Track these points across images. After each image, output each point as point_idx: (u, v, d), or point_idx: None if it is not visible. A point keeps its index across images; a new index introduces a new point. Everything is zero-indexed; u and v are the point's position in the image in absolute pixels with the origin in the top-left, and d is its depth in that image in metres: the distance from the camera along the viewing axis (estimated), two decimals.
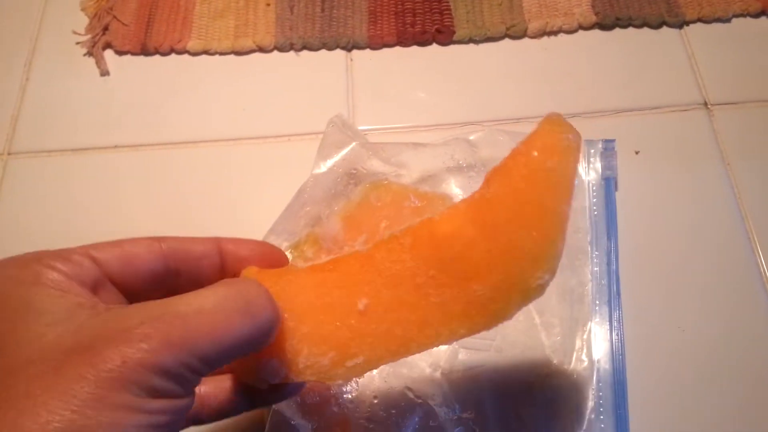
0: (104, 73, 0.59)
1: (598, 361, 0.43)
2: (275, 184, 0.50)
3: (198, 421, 0.32)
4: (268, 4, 0.62)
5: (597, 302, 0.45)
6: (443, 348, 0.44)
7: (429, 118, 0.56)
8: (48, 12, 0.63)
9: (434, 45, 0.60)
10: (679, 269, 0.49)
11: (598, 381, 0.43)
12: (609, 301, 0.45)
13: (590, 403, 0.42)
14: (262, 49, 0.60)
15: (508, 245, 0.30)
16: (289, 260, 0.35)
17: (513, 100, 0.57)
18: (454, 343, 0.43)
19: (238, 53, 0.60)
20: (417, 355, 0.43)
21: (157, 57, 0.60)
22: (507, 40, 0.60)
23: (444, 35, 0.60)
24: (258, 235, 0.45)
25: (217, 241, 0.32)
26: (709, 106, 0.55)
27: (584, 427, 0.42)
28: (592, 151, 0.50)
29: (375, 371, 0.42)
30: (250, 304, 0.28)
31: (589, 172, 0.50)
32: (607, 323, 0.45)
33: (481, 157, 0.49)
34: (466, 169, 0.49)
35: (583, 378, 0.43)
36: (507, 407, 0.42)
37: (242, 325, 0.27)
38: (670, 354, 0.46)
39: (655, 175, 0.52)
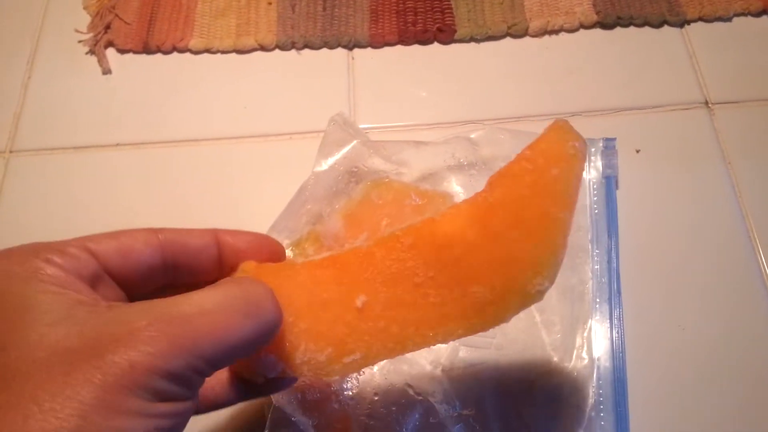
0: (106, 71, 0.59)
1: (599, 359, 0.43)
2: (276, 182, 0.50)
3: (194, 412, 0.32)
4: (270, 3, 0.62)
5: (597, 300, 0.45)
6: (444, 345, 0.44)
7: (430, 116, 0.56)
8: (50, 10, 0.63)
9: (435, 44, 0.60)
10: (679, 268, 0.49)
11: (599, 379, 0.43)
12: (609, 299, 0.45)
13: (590, 401, 0.42)
14: (263, 48, 0.60)
15: (509, 251, 0.30)
16: (291, 258, 0.35)
17: (514, 98, 0.57)
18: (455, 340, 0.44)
19: (239, 52, 0.60)
20: (417, 352, 0.43)
21: (159, 55, 0.60)
22: (508, 39, 0.60)
23: (445, 34, 0.60)
24: None
25: (214, 232, 0.32)
26: (710, 105, 0.55)
27: (584, 424, 0.42)
28: (593, 149, 0.50)
29: (375, 368, 0.43)
30: (255, 305, 0.28)
31: (590, 170, 0.50)
32: (608, 321, 0.45)
33: (482, 156, 0.49)
34: (467, 167, 0.49)
35: (584, 376, 0.43)
36: (507, 405, 0.42)
37: (247, 326, 0.27)
38: (671, 352, 0.46)
39: (656, 174, 0.52)
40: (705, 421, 0.44)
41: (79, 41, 0.61)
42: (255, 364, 0.31)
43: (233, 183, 0.54)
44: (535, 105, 0.56)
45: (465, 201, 0.32)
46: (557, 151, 0.31)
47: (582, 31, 0.60)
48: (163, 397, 0.24)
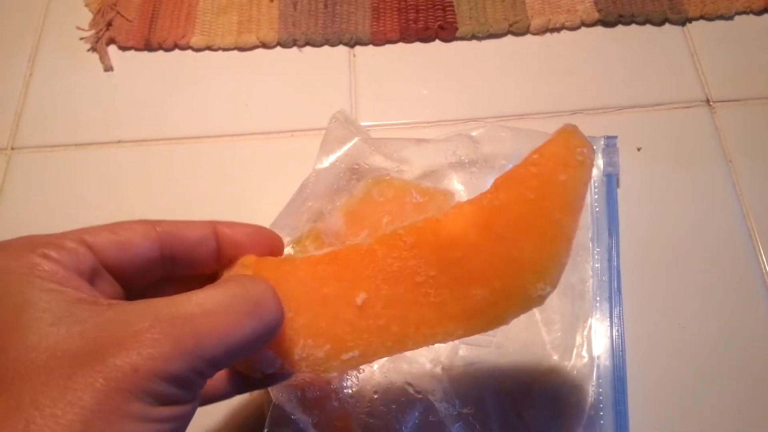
0: (108, 68, 0.60)
1: (599, 357, 0.44)
2: (278, 179, 0.50)
3: None
4: (272, 0, 0.62)
5: (598, 298, 0.45)
6: (444, 344, 0.44)
7: (431, 114, 0.56)
8: (52, 7, 0.63)
9: (437, 41, 0.60)
10: (679, 266, 0.49)
11: (599, 377, 0.43)
12: (610, 298, 0.45)
13: (590, 400, 0.43)
14: (265, 45, 0.60)
15: (512, 254, 0.30)
16: (292, 255, 0.35)
17: (515, 96, 0.57)
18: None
19: (241, 49, 0.60)
20: (417, 351, 0.43)
21: (160, 52, 0.60)
22: (509, 37, 0.60)
23: (447, 32, 0.60)
24: None
25: (212, 224, 0.31)
26: (711, 104, 0.55)
27: (584, 423, 0.42)
28: (594, 147, 0.50)
29: (375, 366, 0.43)
30: (258, 304, 0.27)
31: None
32: (608, 320, 0.45)
33: (483, 153, 0.49)
34: (468, 165, 0.49)
35: (583, 374, 0.43)
36: (507, 403, 0.42)
37: (250, 326, 0.26)
38: (671, 351, 0.46)
39: (657, 172, 0.52)
40: (704, 420, 0.44)
41: (81, 38, 0.61)
42: (253, 360, 0.31)
43: (234, 180, 0.54)
44: (536, 103, 0.56)
45: (469, 201, 0.32)
46: (565, 156, 0.31)
47: (583, 29, 0.60)
48: (165, 400, 0.23)
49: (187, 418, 0.25)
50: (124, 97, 0.58)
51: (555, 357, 0.43)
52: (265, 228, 0.34)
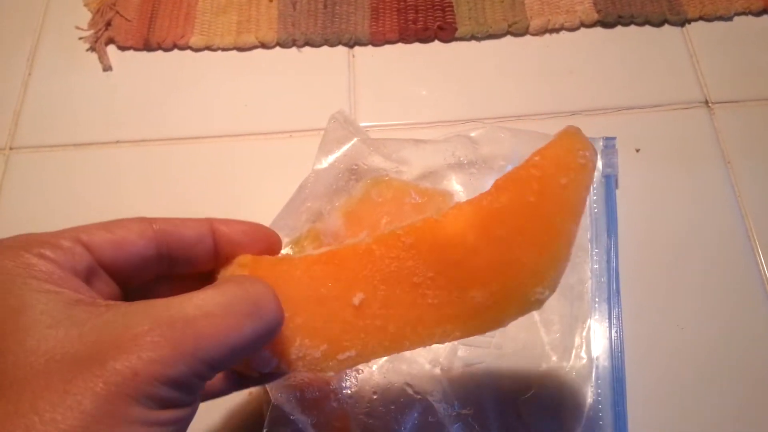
0: (107, 68, 0.60)
1: (597, 358, 0.44)
2: (277, 179, 0.50)
3: None
4: (271, 1, 0.62)
5: (596, 299, 0.45)
6: (442, 345, 0.44)
7: (430, 114, 0.56)
8: (51, 7, 0.63)
9: (436, 42, 0.60)
10: (678, 267, 0.49)
11: (597, 378, 0.43)
12: (608, 299, 0.45)
13: (589, 400, 0.43)
14: (264, 45, 0.60)
15: (511, 258, 0.30)
16: (289, 254, 0.35)
17: (514, 97, 0.57)
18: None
19: (240, 49, 0.60)
20: (416, 351, 0.43)
21: (159, 52, 0.60)
22: (509, 38, 0.60)
23: (446, 32, 0.60)
24: None
25: (209, 222, 0.31)
26: (710, 105, 0.55)
27: (583, 423, 0.42)
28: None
29: (374, 367, 0.43)
30: (258, 305, 0.27)
31: None
32: (607, 321, 0.45)
33: (482, 154, 0.49)
34: (467, 165, 0.49)
35: (582, 375, 0.43)
36: (506, 404, 0.42)
37: (250, 327, 0.26)
38: (669, 352, 0.46)
39: (656, 173, 0.52)
40: (703, 421, 0.44)
41: (80, 38, 0.61)
42: (250, 360, 0.31)
43: (234, 180, 0.54)
44: (535, 104, 0.56)
45: (468, 202, 0.32)
46: (567, 159, 0.30)
47: (583, 29, 0.60)
48: (165, 404, 0.23)
49: (187, 421, 0.25)
50: (123, 97, 0.58)
51: (554, 358, 0.43)
52: (261, 225, 0.33)
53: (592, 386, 0.43)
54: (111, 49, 0.61)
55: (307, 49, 0.60)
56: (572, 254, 0.45)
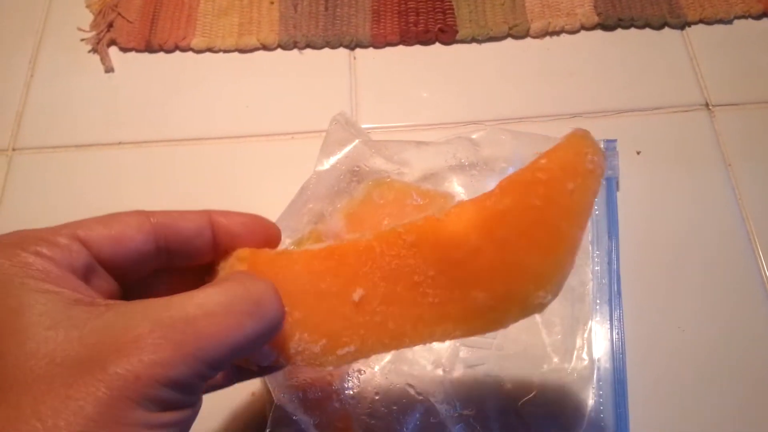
0: (109, 69, 0.60)
1: (599, 359, 0.44)
2: (278, 181, 0.50)
3: None
4: (272, 2, 0.62)
5: (598, 301, 0.45)
6: (444, 345, 0.44)
7: (431, 116, 0.56)
8: (53, 9, 0.63)
9: (437, 44, 0.60)
10: (679, 269, 0.49)
11: (599, 380, 0.43)
12: (610, 300, 0.45)
13: (590, 402, 0.43)
14: (265, 47, 0.60)
15: (514, 261, 0.29)
16: (288, 249, 0.34)
17: (515, 99, 0.57)
18: (456, 341, 0.44)
19: (241, 51, 0.60)
20: (418, 352, 0.43)
21: (161, 54, 0.61)
22: (509, 40, 0.60)
23: (447, 34, 0.60)
24: None
25: (207, 214, 0.31)
26: (710, 107, 0.56)
27: (584, 425, 0.42)
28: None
29: (376, 368, 0.43)
30: (259, 304, 0.27)
31: None
32: (608, 322, 0.45)
33: (483, 156, 0.49)
34: (468, 167, 0.49)
35: (584, 376, 0.43)
36: (507, 405, 0.42)
37: (251, 326, 0.26)
38: (670, 353, 0.46)
39: (656, 176, 0.53)
40: (704, 422, 0.44)
41: (82, 39, 0.61)
42: (250, 354, 0.30)
43: (235, 182, 0.54)
44: (536, 106, 0.56)
45: (471, 201, 0.31)
46: (575, 163, 0.29)
47: (583, 32, 0.60)
48: (167, 406, 0.23)
49: (190, 421, 0.25)
50: (125, 98, 0.58)
51: (555, 359, 0.43)
52: (260, 217, 0.33)
53: (593, 388, 0.43)
54: (113, 51, 0.61)
55: (308, 51, 0.60)
56: None
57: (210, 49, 0.60)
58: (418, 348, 0.43)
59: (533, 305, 0.29)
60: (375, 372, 0.43)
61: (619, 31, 0.60)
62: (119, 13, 0.62)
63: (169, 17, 0.61)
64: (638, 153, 0.53)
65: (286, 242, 0.44)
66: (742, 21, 0.60)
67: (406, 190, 0.42)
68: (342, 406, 0.42)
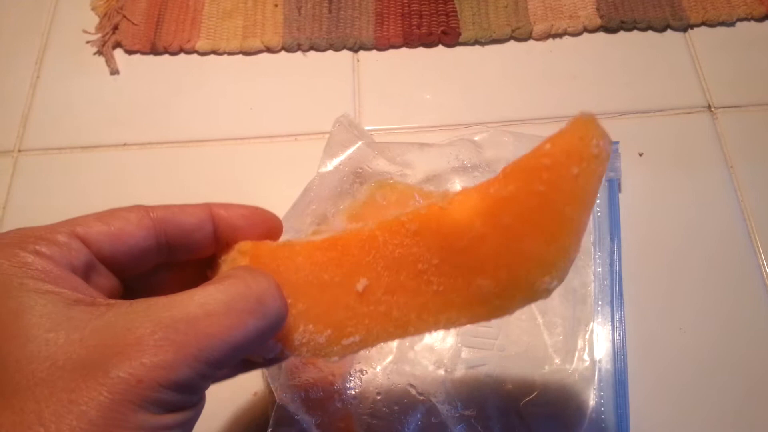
0: (114, 71, 0.60)
1: (600, 361, 0.44)
2: (282, 182, 0.50)
3: None
4: (276, 5, 0.62)
5: (599, 302, 0.45)
6: (446, 346, 0.44)
7: (434, 118, 0.56)
8: (59, 11, 0.64)
9: (440, 46, 0.60)
10: (681, 271, 0.49)
11: (600, 381, 0.43)
12: (611, 302, 0.46)
13: (591, 403, 0.43)
14: (269, 50, 0.61)
15: (519, 247, 0.29)
16: (290, 240, 0.34)
17: (517, 101, 0.57)
18: (457, 341, 0.44)
19: (246, 53, 0.61)
20: (420, 352, 0.43)
21: (166, 56, 0.61)
22: (512, 42, 0.60)
23: (450, 37, 0.60)
24: None
25: (208, 207, 0.31)
26: (712, 109, 0.56)
27: (585, 426, 0.42)
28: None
29: (378, 368, 0.43)
30: (261, 302, 0.26)
31: None
32: (609, 323, 0.45)
33: (485, 158, 0.50)
34: (471, 169, 0.49)
35: (585, 377, 0.43)
36: (509, 406, 0.43)
37: (254, 325, 0.25)
38: (672, 355, 0.46)
39: (659, 178, 0.53)
40: (705, 424, 0.45)
41: (87, 42, 0.61)
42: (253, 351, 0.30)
43: (239, 183, 0.54)
44: (538, 108, 0.56)
45: (475, 189, 0.31)
46: (580, 148, 0.29)
47: (586, 34, 0.60)
48: (170, 408, 0.23)
49: (193, 421, 0.25)
50: (130, 100, 0.59)
51: (557, 360, 0.44)
52: (261, 209, 0.33)
53: (594, 389, 0.43)
54: (118, 53, 0.61)
55: (312, 53, 0.61)
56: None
57: (214, 52, 0.61)
58: (420, 348, 0.44)
59: (539, 291, 0.29)
60: (377, 372, 0.43)
61: (622, 33, 0.60)
62: (124, 16, 0.62)
63: (174, 20, 0.62)
64: (640, 155, 0.54)
65: None
66: (745, 23, 0.60)
67: (408, 192, 0.42)
68: (344, 405, 0.42)
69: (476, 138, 0.50)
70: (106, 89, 0.59)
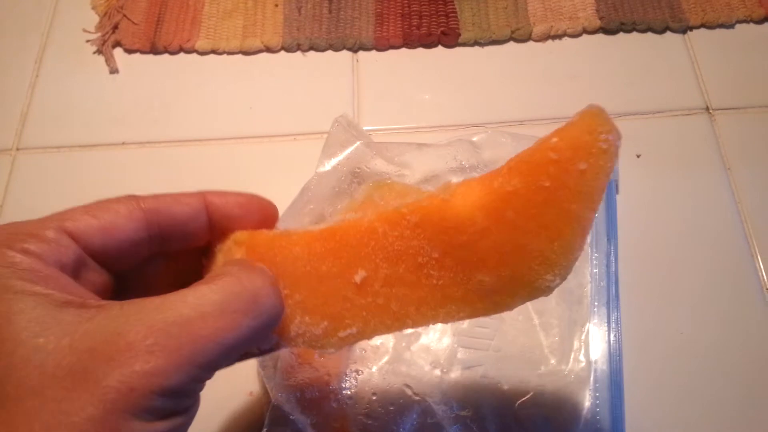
0: (113, 70, 0.60)
1: (596, 362, 0.44)
2: (280, 182, 0.50)
3: None
4: (277, 5, 0.63)
5: (596, 303, 0.45)
6: (442, 346, 0.44)
7: (433, 119, 0.57)
8: (59, 10, 0.64)
9: (439, 47, 0.61)
10: (678, 272, 0.49)
11: (596, 382, 0.43)
12: (607, 303, 0.45)
13: (587, 404, 0.43)
14: (269, 49, 0.61)
15: (522, 243, 0.28)
16: (287, 229, 0.34)
17: (516, 102, 0.57)
18: (453, 341, 0.44)
19: (245, 53, 0.61)
20: (416, 353, 0.44)
21: (165, 56, 0.61)
22: (512, 43, 0.60)
23: (449, 38, 0.60)
24: None
25: (202, 196, 0.29)
26: (711, 111, 0.56)
27: (581, 427, 0.42)
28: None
29: (374, 368, 0.43)
30: (256, 301, 0.26)
31: None
32: (605, 325, 0.45)
33: (483, 159, 0.50)
34: (469, 170, 0.49)
35: (581, 378, 0.43)
36: (504, 406, 0.43)
37: (248, 325, 0.25)
38: (668, 356, 0.46)
39: (656, 179, 0.53)
40: (702, 426, 0.45)
41: (87, 41, 0.62)
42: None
43: (237, 182, 0.54)
44: (537, 109, 0.56)
45: (478, 181, 0.30)
46: (587, 143, 0.28)
47: (585, 36, 0.60)
48: (163, 414, 0.22)
49: (187, 425, 0.25)
50: (129, 99, 0.59)
51: (552, 361, 0.44)
52: (257, 196, 0.32)
53: (590, 390, 0.43)
54: (118, 52, 0.61)
55: (311, 53, 0.61)
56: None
57: (214, 51, 0.61)
58: (416, 348, 0.44)
59: (541, 288, 0.29)
60: (373, 372, 0.43)
61: (621, 35, 0.60)
62: (124, 15, 0.62)
63: (174, 19, 0.62)
64: (638, 156, 0.54)
65: None
66: (744, 25, 0.60)
67: (406, 192, 0.42)
68: (339, 406, 0.42)
69: (474, 138, 0.50)
70: (105, 88, 0.59)
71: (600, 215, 0.48)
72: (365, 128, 0.55)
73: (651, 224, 0.51)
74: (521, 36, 0.60)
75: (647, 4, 0.61)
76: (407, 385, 0.43)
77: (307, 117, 0.57)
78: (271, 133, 0.56)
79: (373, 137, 0.53)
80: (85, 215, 0.26)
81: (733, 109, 0.56)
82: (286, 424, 0.41)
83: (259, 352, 0.31)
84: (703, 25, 0.60)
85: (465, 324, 0.45)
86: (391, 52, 0.60)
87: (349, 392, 0.42)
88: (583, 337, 0.44)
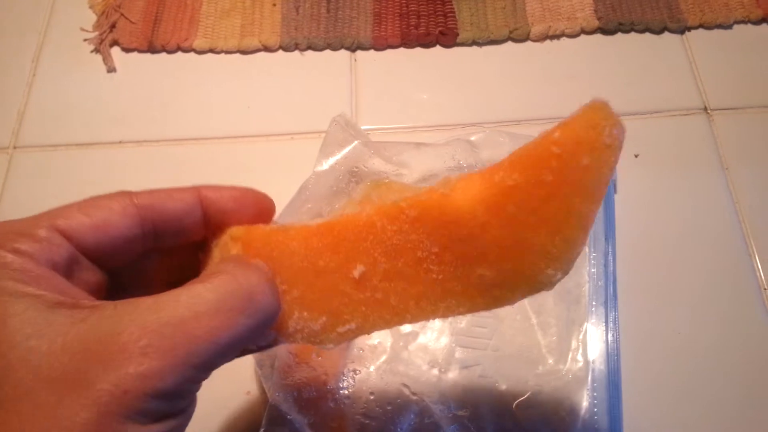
0: (111, 69, 0.60)
1: (594, 361, 0.44)
2: (278, 181, 0.50)
3: None
4: (275, 4, 0.62)
5: (593, 303, 0.45)
6: (440, 346, 0.44)
7: (431, 118, 0.57)
8: (56, 9, 0.64)
9: (438, 47, 0.60)
10: (676, 272, 0.49)
11: (593, 381, 0.43)
12: (605, 303, 0.45)
13: (585, 404, 0.43)
14: (267, 49, 0.61)
15: (524, 238, 0.28)
16: (284, 224, 0.33)
17: (514, 102, 0.57)
18: (451, 341, 0.44)
19: (243, 52, 0.61)
20: (414, 353, 0.43)
21: (163, 54, 0.61)
22: (510, 43, 0.60)
23: (447, 37, 0.60)
24: None
25: (197, 190, 0.29)
26: (709, 111, 0.56)
27: (578, 427, 0.42)
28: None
29: (372, 368, 0.43)
30: (252, 299, 0.25)
31: None
32: (603, 324, 0.45)
33: (481, 158, 0.50)
34: (467, 169, 0.49)
35: (579, 378, 0.43)
36: (502, 406, 0.42)
37: (244, 324, 0.24)
38: (666, 356, 0.46)
39: (654, 179, 0.53)
40: (700, 426, 0.45)
41: (85, 39, 0.61)
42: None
43: (235, 181, 0.53)
44: (535, 109, 0.56)
45: (479, 175, 0.29)
46: (591, 137, 0.27)
47: (583, 36, 0.60)
48: (158, 416, 0.22)
49: (183, 426, 0.24)
50: (127, 98, 0.59)
51: (550, 361, 0.44)
52: (252, 190, 0.31)
53: (588, 389, 0.43)
54: (115, 51, 0.61)
55: (309, 52, 0.61)
56: None
57: (212, 50, 0.61)
58: (413, 348, 0.44)
59: (542, 282, 0.28)
60: (370, 372, 0.43)
61: (619, 35, 0.60)
62: (122, 14, 0.62)
63: (172, 18, 0.62)
64: (636, 156, 0.54)
65: None
66: (742, 26, 0.60)
67: (404, 191, 0.42)
68: (336, 405, 0.42)
69: (472, 138, 0.50)
70: (103, 87, 0.59)
71: (598, 215, 0.48)
72: (363, 127, 0.55)
73: (649, 224, 0.51)
74: (519, 36, 0.60)
75: (645, 4, 0.61)
76: (405, 385, 0.43)
77: (305, 116, 0.57)
78: (269, 132, 0.56)
79: (371, 136, 0.53)
80: (77, 213, 0.26)
81: (731, 109, 0.56)
82: (283, 423, 0.41)
83: (256, 349, 0.31)
84: (701, 26, 0.60)
85: (463, 323, 0.45)
86: (389, 51, 0.60)
87: (346, 392, 0.42)
88: (581, 336, 0.44)
